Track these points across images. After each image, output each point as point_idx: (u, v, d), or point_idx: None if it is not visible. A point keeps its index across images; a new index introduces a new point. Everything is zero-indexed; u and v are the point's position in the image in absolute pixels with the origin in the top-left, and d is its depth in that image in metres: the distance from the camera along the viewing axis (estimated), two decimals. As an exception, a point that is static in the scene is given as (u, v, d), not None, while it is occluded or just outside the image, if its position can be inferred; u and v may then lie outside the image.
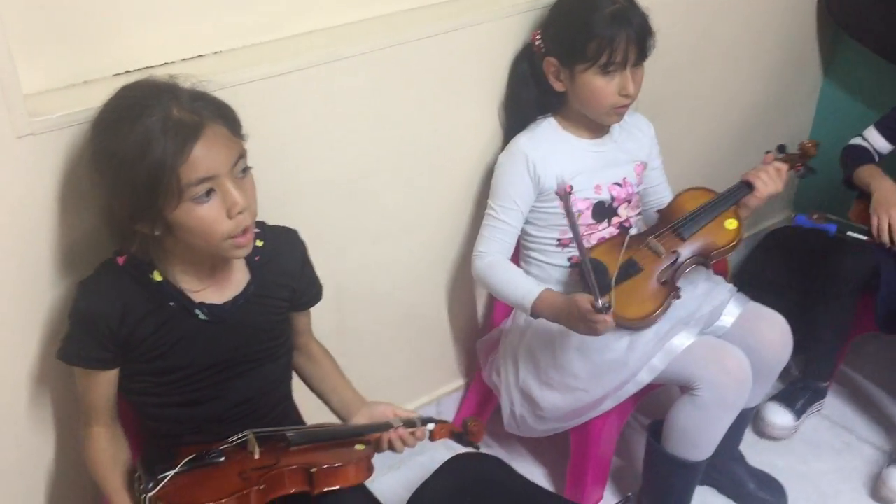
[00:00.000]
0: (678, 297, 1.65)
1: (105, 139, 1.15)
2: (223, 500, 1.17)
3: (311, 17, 1.50)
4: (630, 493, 1.81)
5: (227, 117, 1.18)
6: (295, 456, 1.27)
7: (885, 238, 1.81)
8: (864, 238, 1.84)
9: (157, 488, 1.18)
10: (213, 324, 1.28)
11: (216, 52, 1.42)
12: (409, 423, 1.38)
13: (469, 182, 1.81)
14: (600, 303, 1.42)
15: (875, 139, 2.02)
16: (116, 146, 1.13)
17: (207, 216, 1.15)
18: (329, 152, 1.56)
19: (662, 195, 1.87)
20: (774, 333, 1.74)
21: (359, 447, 1.33)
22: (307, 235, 1.44)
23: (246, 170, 1.20)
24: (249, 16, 1.43)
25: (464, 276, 1.93)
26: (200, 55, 1.40)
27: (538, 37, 1.68)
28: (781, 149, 1.77)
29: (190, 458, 1.24)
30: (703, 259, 1.69)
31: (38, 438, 1.40)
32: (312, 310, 1.47)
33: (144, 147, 1.10)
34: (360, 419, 1.42)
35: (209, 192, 1.15)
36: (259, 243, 1.32)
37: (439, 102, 1.67)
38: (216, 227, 1.16)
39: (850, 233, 1.85)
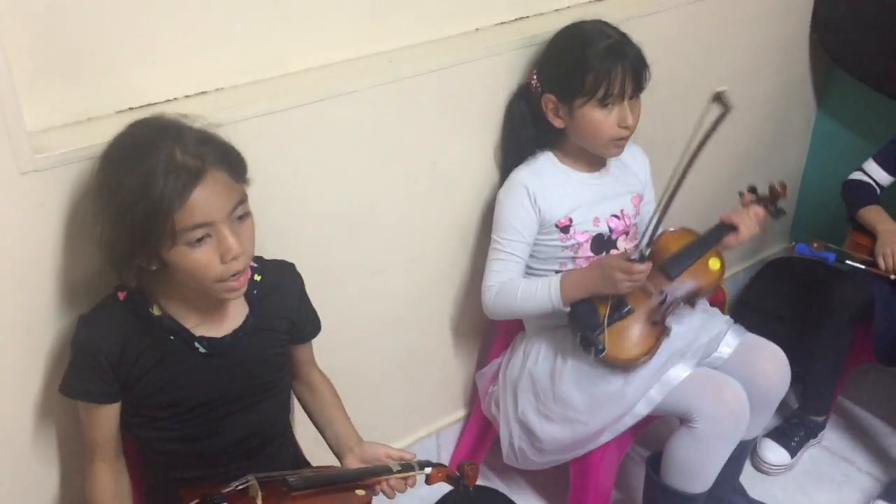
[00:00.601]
0: (668, 337, 1.65)
1: (110, 173, 1.17)
2: None
3: (312, 54, 1.52)
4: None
5: (230, 162, 1.19)
6: (296, 502, 1.27)
7: (891, 264, 1.82)
8: (863, 267, 1.86)
9: None
10: (213, 357, 1.28)
11: (218, 89, 1.44)
12: (406, 467, 1.38)
13: (469, 215, 1.83)
14: (637, 254, 1.53)
15: (875, 172, 2.04)
16: (119, 182, 1.14)
17: (200, 260, 1.16)
18: (329, 187, 1.58)
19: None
20: (772, 365, 1.74)
21: (359, 492, 1.33)
22: (308, 268, 1.45)
23: (244, 216, 1.20)
24: (251, 53, 1.45)
25: (463, 308, 1.94)
26: (203, 92, 1.42)
27: (534, 76, 1.70)
28: (752, 190, 1.78)
29: (194, 502, 1.23)
30: (691, 299, 1.70)
31: (41, 472, 1.40)
32: (313, 342, 1.48)
33: (144, 187, 1.11)
34: (352, 460, 1.42)
35: (203, 238, 1.15)
36: (257, 277, 1.34)
37: (438, 137, 1.69)
38: (208, 271, 1.17)
39: (848, 261, 1.87)
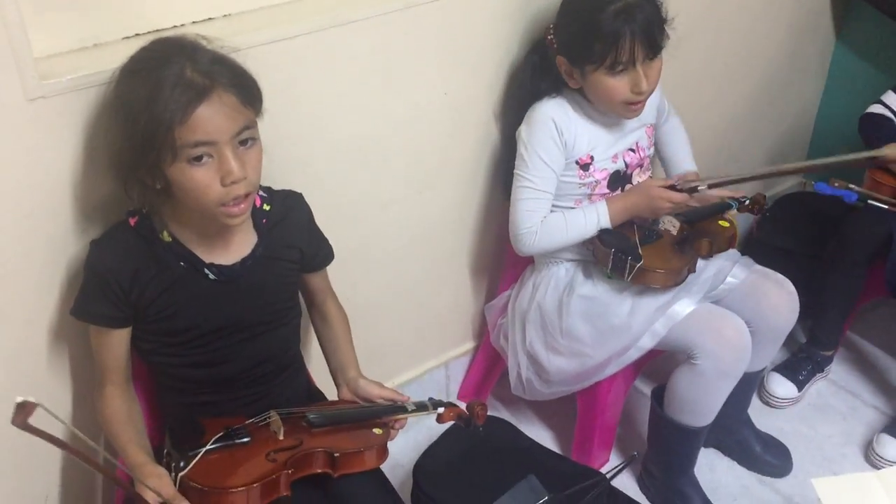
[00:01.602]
0: (693, 271, 1.68)
1: (123, 85, 1.18)
2: (255, 485, 1.20)
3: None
4: (636, 452, 1.83)
5: (242, 86, 1.18)
6: (317, 438, 1.29)
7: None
8: (886, 207, 1.82)
9: (189, 467, 1.20)
10: (222, 284, 1.29)
11: (225, 16, 1.42)
12: (420, 406, 1.40)
13: (481, 146, 1.82)
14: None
15: (895, 103, 1.99)
16: (129, 93, 1.16)
17: (201, 179, 1.16)
18: (338, 116, 1.56)
19: (682, 147, 1.87)
20: (781, 297, 1.74)
21: (377, 431, 1.35)
22: (319, 199, 1.45)
23: (250, 141, 1.20)
24: (258, -22, 1.43)
25: (473, 241, 1.94)
26: (210, 18, 1.40)
27: (551, 33, 1.65)
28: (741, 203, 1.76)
29: (218, 436, 1.26)
30: (707, 249, 1.72)
31: (57, 393, 1.42)
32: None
33: (151, 99, 1.12)
34: (345, 393, 1.44)
35: (204, 156, 1.15)
36: (266, 207, 1.34)
37: (448, 67, 1.67)
38: (208, 192, 1.17)
39: (871, 202, 1.84)
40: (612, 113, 1.66)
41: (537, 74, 1.69)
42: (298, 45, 1.43)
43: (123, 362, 1.32)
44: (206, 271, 1.28)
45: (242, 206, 1.21)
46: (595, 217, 1.67)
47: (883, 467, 1.91)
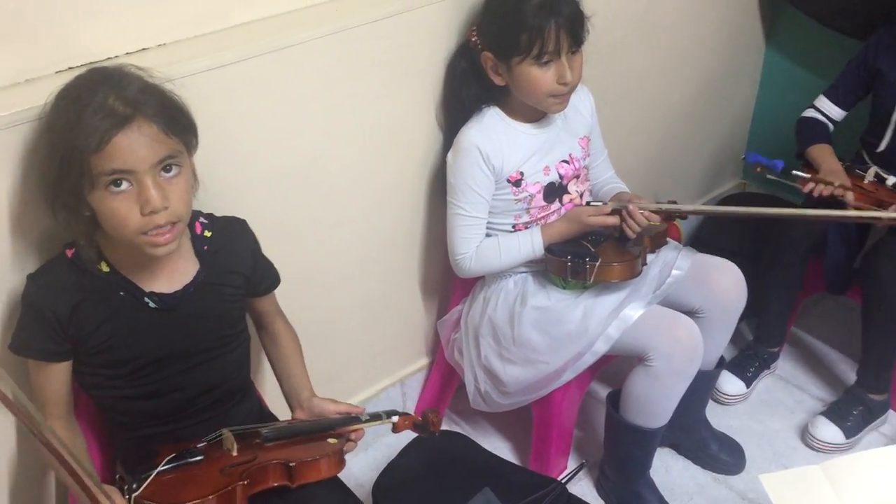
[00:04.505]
0: (645, 264, 1.73)
1: (50, 113, 1.18)
2: (210, 497, 1.19)
3: (255, 6, 1.50)
4: (584, 461, 1.86)
5: (168, 115, 1.18)
6: (272, 452, 1.29)
7: (817, 191, 1.85)
8: (806, 177, 1.89)
9: (142, 487, 1.19)
10: (164, 312, 1.29)
11: (160, 45, 1.41)
12: (375, 417, 1.41)
13: (428, 161, 1.83)
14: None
15: (828, 108, 2.06)
16: (54, 120, 1.16)
17: (119, 208, 1.16)
18: (280, 140, 1.56)
19: (604, 169, 1.92)
20: (728, 279, 1.79)
21: (332, 440, 1.35)
22: (264, 224, 1.45)
23: (174, 169, 1.19)
24: (193, 7, 1.42)
25: (422, 258, 1.96)
26: (144, 48, 1.40)
27: (474, 33, 1.68)
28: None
29: (171, 457, 1.25)
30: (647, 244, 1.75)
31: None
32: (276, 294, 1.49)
33: (71, 127, 1.12)
34: (300, 415, 1.44)
35: (120, 183, 1.15)
36: (208, 234, 1.35)
37: (388, 85, 1.68)
38: (127, 221, 1.17)
39: (794, 171, 1.91)
40: (539, 107, 1.69)
41: (466, 80, 1.72)
42: (234, 73, 1.43)
43: (65, 395, 1.30)
44: (147, 300, 1.27)
45: (167, 236, 1.20)
46: (529, 245, 1.73)
47: (819, 448, 1.99)
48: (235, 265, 1.38)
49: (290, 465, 1.27)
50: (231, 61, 1.42)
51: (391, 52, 1.65)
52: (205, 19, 1.45)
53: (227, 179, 1.48)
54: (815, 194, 1.85)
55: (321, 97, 1.58)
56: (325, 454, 1.30)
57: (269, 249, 1.46)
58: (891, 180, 1.92)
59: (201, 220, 1.36)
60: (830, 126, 2.06)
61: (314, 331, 1.68)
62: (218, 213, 1.41)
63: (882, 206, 1.88)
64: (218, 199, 1.41)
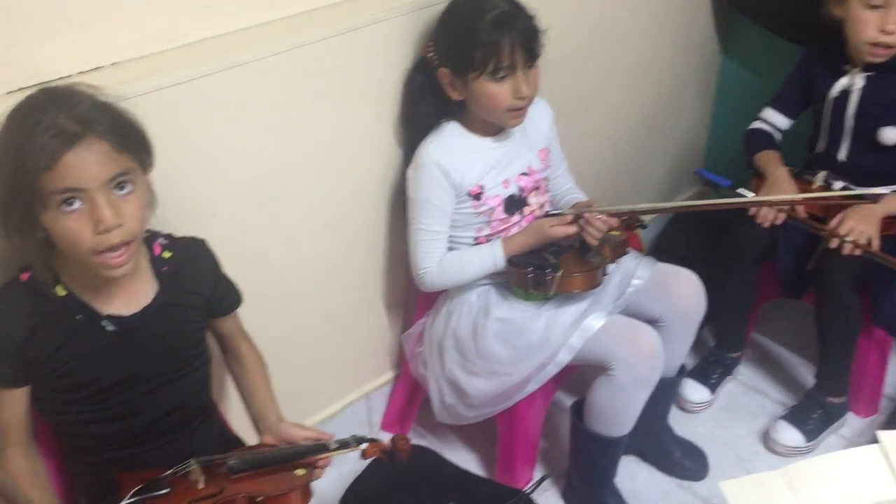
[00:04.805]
0: (606, 274, 1.75)
1: (1, 134, 1.16)
2: None
3: (208, 24, 1.49)
4: (547, 473, 1.87)
5: (120, 133, 1.16)
6: (239, 484, 1.27)
7: (761, 216, 1.88)
8: (750, 198, 1.92)
9: None
10: (122, 335, 1.27)
11: (113, 64, 1.40)
12: (343, 444, 1.40)
13: (386, 174, 1.83)
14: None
15: (773, 117, 2.09)
16: (3, 142, 1.14)
17: (72, 227, 1.14)
18: (237, 158, 1.56)
19: (564, 180, 1.93)
20: (687, 287, 1.82)
21: (299, 472, 1.33)
22: (223, 241, 1.44)
23: (128, 186, 1.17)
24: (146, 25, 1.42)
25: (384, 272, 1.96)
26: (98, 67, 1.39)
27: (430, 49, 1.69)
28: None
29: (136, 489, 1.23)
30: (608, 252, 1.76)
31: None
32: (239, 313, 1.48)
33: (21, 147, 1.10)
34: (267, 439, 1.42)
35: (72, 202, 1.13)
36: (167, 255, 1.33)
37: (344, 101, 1.68)
38: (80, 241, 1.15)
39: (740, 189, 1.95)
40: (497, 122, 1.70)
41: (424, 96, 1.73)
42: (188, 91, 1.42)
43: (24, 421, 1.28)
44: (104, 323, 1.26)
45: (122, 256, 1.18)
46: (491, 258, 1.74)
47: (780, 452, 2.01)
48: (195, 286, 1.37)
49: (258, 500, 1.26)
50: (186, 79, 1.41)
51: (348, 69, 1.65)
52: (159, 38, 1.44)
53: (185, 197, 1.47)
54: (766, 224, 1.87)
55: (278, 114, 1.58)
56: (293, 487, 1.29)
57: (229, 267, 1.45)
58: (837, 185, 1.96)
59: (160, 240, 1.34)
60: (777, 135, 2.10)
61: (277, 348, 1.67)
62: (177, 232, 1.39)
63: (829, 210, 1.92)
64: (177, 218, 1.40)
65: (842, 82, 1.91)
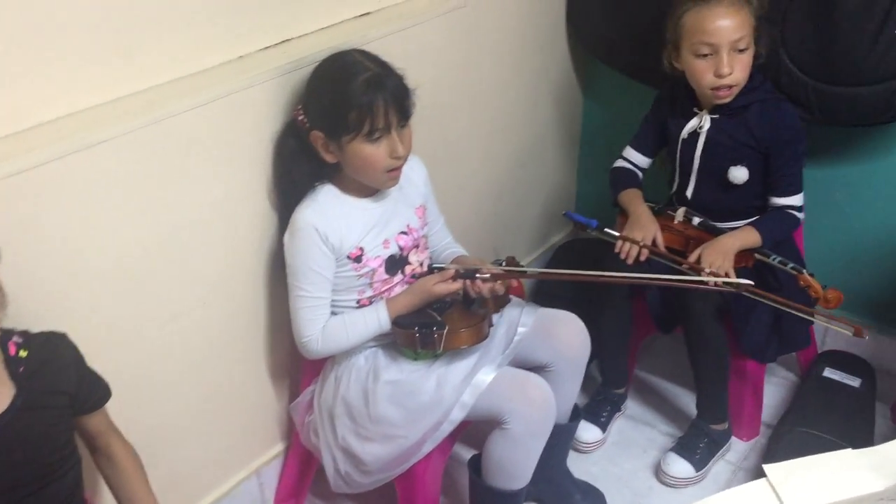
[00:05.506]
0: (492, 325, 1.76)
1: None
2: None
3: (60, 101, 1.41)
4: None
5: None
6: None
7: (623, 253, 1.97)
8: (613, 241, 2.00)
9: None
10: None
11: (-48, 154, 1.31)
12: None
13: (258, 247, 1.78)
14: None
15: (633, 156, 2.17)
16: None
17: None
18: (100, 241, 1.47)
19: (442, 236, 1.93)
20: (571, 330, 1.84)
21: None
22: (90, 330, 1.37)
23: None
24: (-11, 108, 1.33)
25: (267, 343, 1.89)
26: (-66, 157, 1.29)
27: (300, 112, 1.67)
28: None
29: None
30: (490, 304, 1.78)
31: None
32: (110, 407, 1.39)
33: None
34: None
35: None
36: (23, 353, 1.24)
37: (213, 173, 1.63)
38: None
39: (606, 229, 2.01)
40: (373, 184, 1.69)
41: (297, 159, 1.70)
42: (42, 175, 1.33)
43: None
44: None
45: None
46: (376, 320, 1.72)
47: (672, 484, 2.06)
48: (57, 384, 1.27)
49: None
50: (35, 164, 1.32)
51: (215, 138, 1.60)
52: (4, 120, 1.35)
53: (43, 289, 1.38)
54: (630, 261, 1.95)
55: (141, 191, 1.51)
56: None
57: (97, 358, 1.37)
58: (696, 220, 2.05)
59: (15, 339, 1.25)
60: (639, 173, 2.18)
61: (158, 435, 1.58)
62: (37, 326, 1.30)
63: (689, 242, 2.01)
64: (34, 312, 1.31)
65: (691, 123, 2.01)
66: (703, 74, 1.90)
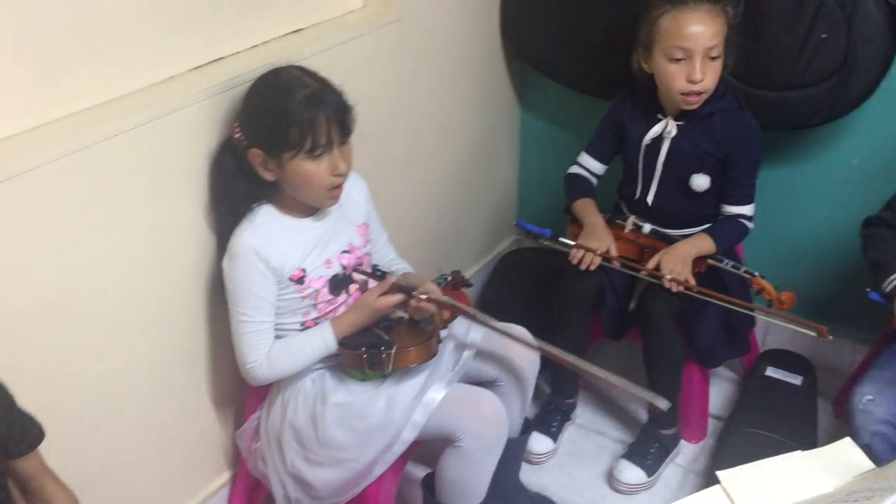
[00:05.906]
0: (440, 341, 1.74)
1: None
2: None
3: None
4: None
5: None
6: None
7: (577, 260, 1.98)
8: (567, 250, 2.01)
9: None
10: None
11: None
12: None
13: (196, 272, 1.73)
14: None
15: (589, 163, 2.17)
16: None
17: None
18: (25, 276, 1.40)
19: (386, 252, 1.91)
20: (519, 343, 1.82)
21: None
22: (19, 370, 1.30)
23: None
24: None
25: (209, 371, 1.84)
26: None
27: (237, 130, 1.63)
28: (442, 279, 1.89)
29: None
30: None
31: None
32: (45, 448, 1.32)
33: None
34: None
35: None
36: None
37: (146, 198, 1.57)
38: None
39: (561, 238, 2.02)
40: (313, 202, 1.66)
41: (234, 179, 1.65)
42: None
43: None
44: None
45: None
46: (321, 342, 1.68)
47: (625, 491, 2.07)
48: None
49: None
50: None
51: (146, 162, 1.55)
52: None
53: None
54: (583, 267, 1.96)
55: (68, 221, 1.44)
56: None
57: (29, 399, 1.30)
58: (646, 228, 2.07)
59: None
60: (594, 180, 2.18)
61: (97, 473, 1.51)
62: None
63: (643, 251, 2.03)
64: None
65: (655, 129, 2.00)
66: (675, 79, 1.90)
